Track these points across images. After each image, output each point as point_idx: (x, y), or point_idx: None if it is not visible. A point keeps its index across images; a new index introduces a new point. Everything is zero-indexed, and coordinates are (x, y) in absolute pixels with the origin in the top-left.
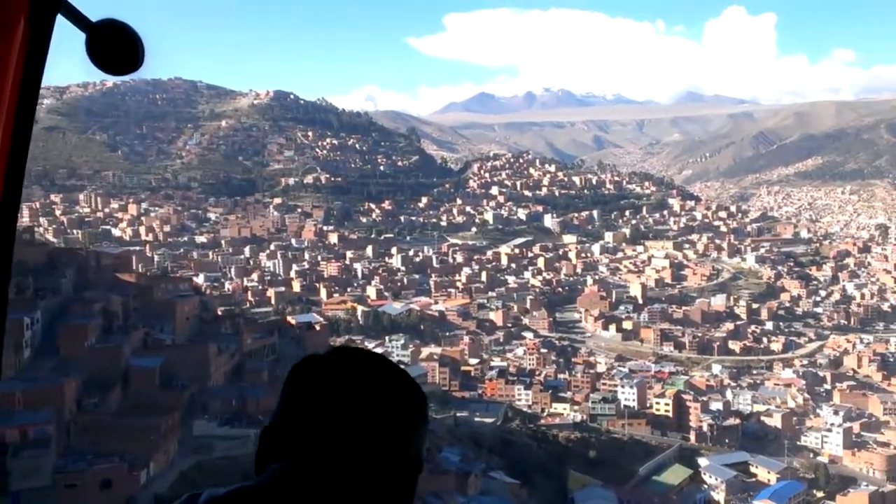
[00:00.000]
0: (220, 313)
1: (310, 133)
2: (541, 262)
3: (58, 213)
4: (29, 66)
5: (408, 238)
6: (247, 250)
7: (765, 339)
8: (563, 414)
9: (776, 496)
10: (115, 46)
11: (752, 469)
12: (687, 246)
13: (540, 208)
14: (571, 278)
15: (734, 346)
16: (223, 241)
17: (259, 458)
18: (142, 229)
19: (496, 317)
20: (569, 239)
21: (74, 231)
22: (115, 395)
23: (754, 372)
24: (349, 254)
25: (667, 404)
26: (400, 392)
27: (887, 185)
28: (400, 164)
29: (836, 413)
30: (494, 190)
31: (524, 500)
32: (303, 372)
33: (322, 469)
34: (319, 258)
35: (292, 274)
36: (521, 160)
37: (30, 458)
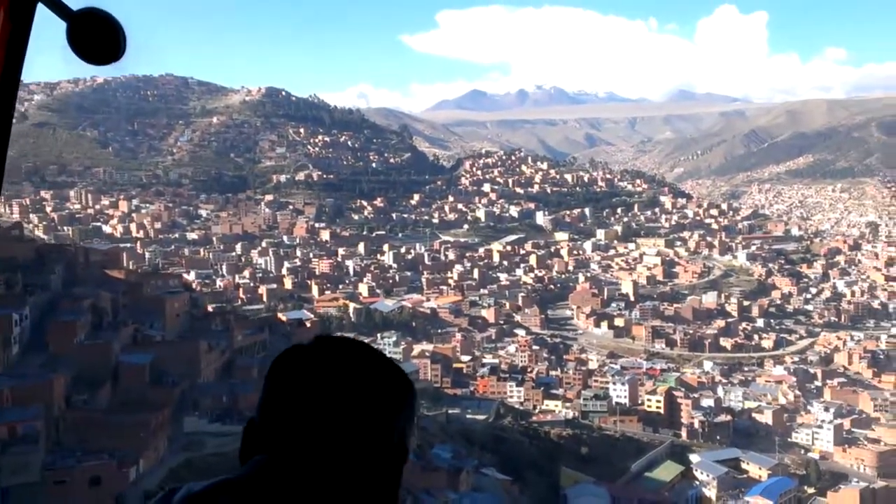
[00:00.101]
0: (210, 310)
1: (302, 130)
2: (533, 260)
3: (48, 209)
4: (9, 56)
5: (400, 235)
6: (238, 247)
7: (756, 337)
8: (554, 411)
9: (767, 492)
10: (96, 35)
11: (744, 465)
12: (678, 243)
13: (532, 206)
14: (563, 275)
15: (725, 343)
16: (214, 238)
17: (243, 451)
18: (132, 226)
19: (488, 314)
20: (561, 236)
21: (65, 228)
22: (104, 391)
23: (745, 369)
24: (341, 251)
25: (658, 401)
26: (381, 379)
27: (878, 182)
28: (392, 161)
29: (826, 410)
30: (486, 187)
31: (516, 497)
32: (284, 363)
33: (303, 459)
34: (311, 255)
35: (284, 271)
36: (513, 158)
37: (18, 455)
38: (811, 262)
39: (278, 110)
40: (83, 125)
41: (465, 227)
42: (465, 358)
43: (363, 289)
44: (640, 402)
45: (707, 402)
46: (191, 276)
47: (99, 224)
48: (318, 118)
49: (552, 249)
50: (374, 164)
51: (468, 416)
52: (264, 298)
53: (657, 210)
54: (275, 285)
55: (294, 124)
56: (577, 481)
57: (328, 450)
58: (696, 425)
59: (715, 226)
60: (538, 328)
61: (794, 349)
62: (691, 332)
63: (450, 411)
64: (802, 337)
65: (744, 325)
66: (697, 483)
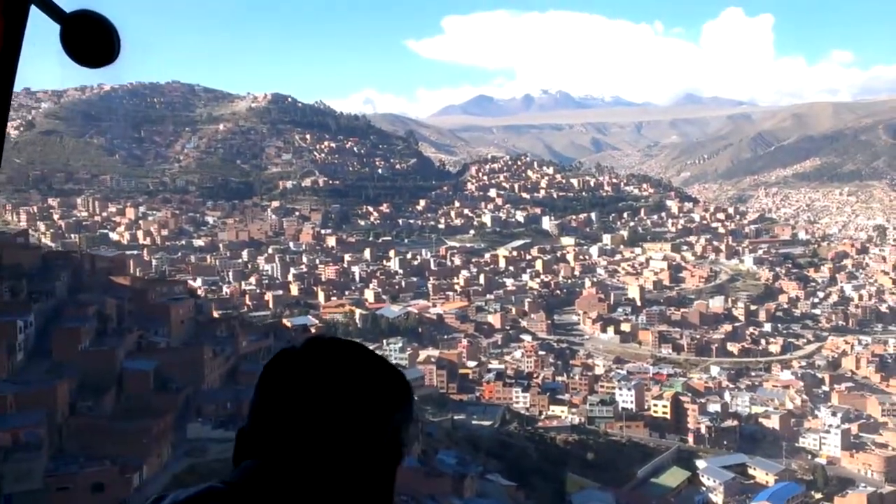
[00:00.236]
0: (215, 316)
1: (308, 136)
2: (539, 265)
3: (55, 217)
4: (2, 58)
5: (406, 241)
6: (245, 254)
7: (763, 341)
8: (560, 416)
9: (774, 498)
10: (89, 38)
11: (751, 471)
12: (685, 248)
13: (538, 210)
14: (570, 280)
15: (732, 347)
16: (221, 245)
17: (236, 458)
18: (139, 233)
19: (494, 319)
20: (567, 241)
21: (72, 235)
22: (108, 398)
23: (752, 374)
24: (347, 257)
25: (665, 406)
26: (373, 378)
27: (885, 186)
28: (398, 166)
29: (834, 414)
30: (492, 192)
31: (521, 503)
32: (274, 367)
33: (292, 462)
34: (317, 261)
35: (290, 277)
36: (519, 162)
37: (21, 461)
38: (818, 265)
39: (284, 117)
40: (90, 133)
41: (472, 232)
42: (471, 363)
43: (369, 295)
44: (646, 407)
45: (714, 407)
46: (197, 283)
47: (106, 231)
48: (324, 124)
49: (558, 254)
50: (380, 170)
51: (474, 421)
52: (270, 305)
53: (664, 214)
54: (281, 292)
55: (300, 130)
56: (582, 487)
57: (318, 453)
58: (703, 431)
59: (722, 230)
60: (544, 333)
61: (801, 354)
62: (698, 336)
63: (455, 417)
64: (810, 341)
65: (751, 329)
66: (704, 489)
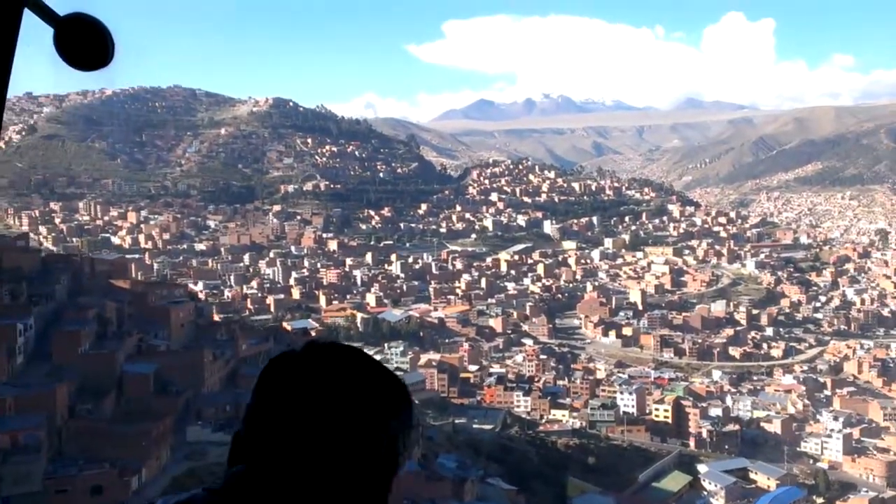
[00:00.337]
0: (215, 319)
1: (309, 140)
2: (540, 269)
3: (57, 221)
4: None
5: (407, 245)
6: (246, 258)
7: (765, 345)
8: (562, 420)
9: (776, 502)
10: (83, 41)
11: (752, 475)
12: (687, 252)
13: (539, 215)
14: (571, 284)
15: (734, 352)
16: (222, 249)
17: (230, 461)
18: (141, 237)
19: (496, 323)
20: (568, 245)
21: (74, 239)
22: (108, 401)
23: (754, 378)
24: (348, 261)
25: (666, 410)
26: (371, 385)
27: (887, 190)
28: (399, 171)
29: (836, 419)
30: (494, 196)
31: None
32: (272, 371)
33: (281, 470)
34: (319, 265)
35: (291, 281)
36: (520, 167)
37: (20, 464)
38: (820, 270)
39: (286, 121)
40: (92, 137)
41: (473, 236)
42: (473, 367)
43: (371, 299)
44: (647, 411)
45: (715, 411)
46: (199, 287)
47: (108, 235)
48: (326, 128)
49: (560, 258)
50: (381, 174)
51: (475, 425)
52: (272, 309)
53: (665, 218)
54: (282, 295)
55: (301, 135)
56: (583, 491)
57: (309, 459)
58: (705, 435)
59: (723, 234)
60: (546, 337)
61: (803, 358)
62: (700, 341)
63: (456, 421)
64: (812, 346)
65: (752, 333)
66: (705, 493)
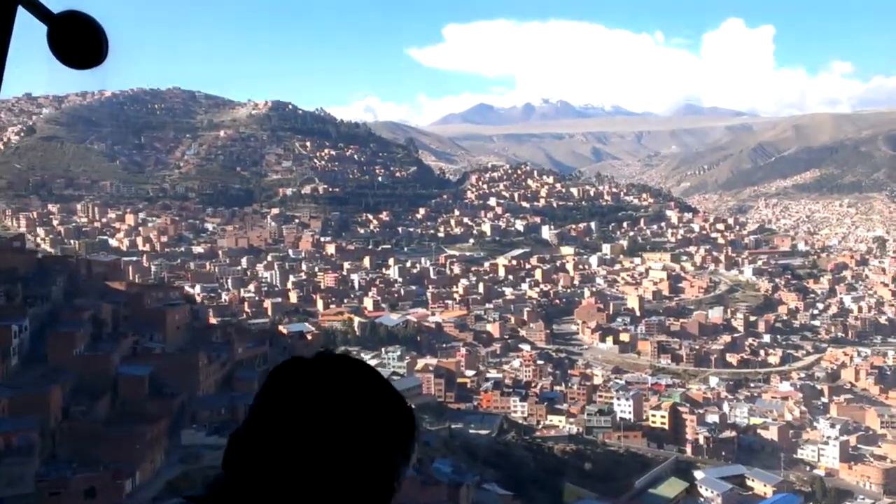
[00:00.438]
0: (211, 322)
1: (308, 143)
2: (538, 274)
3: (55, 222)
4: None
5: (405, 249)
6: (244, 261)
7: (762, 352)
8: (558, 426)
9: None
10: (77, 39)
11: (749, 482)
12: (684, 258)
13: (538, 220)
14: (569, 290)
15: (731, 358)
16: (220, 252)
17: (225, 462)
18: (139, 239)
19: (493, 328)
20: (566, 250)
21: (71, 241)
22: (103, 403)
23: (751, 384)
24: (346, 265)
25: (663, 417)
26: (382, 410)
27: (885, 197)
28: (398, 174)
29: (832, 426)
30: (492, 201)
31: None
32: (281, 376)
33: (270, 480)
34: (316, 269)
35: (289, 285)
36: (519, 171)
37: (13, 465)
38: (818, 277)
39: (285, 124)
40: (91, 139)
41: (471, 241)
42: (470, 372)
43: (368, 303)
44: (644, 417)
45: (712, 417)
46: (196, 290)
47: (105, 237)
48: (325, 132)
49: (558, 264)
50: (380, 178)
51: (471, 430)
52: (269, 312)
53: (663, 224)
54: (280, 299)
55: (300, 138)
56: (580, 497)
57: (303, 474)
58: (701, 441)
59: (721, 240)
60: (543, 343)
61: (800, 365)
62: (697, 347)
63: (453, 426)
64: (809, 353)
65: (750, 340)
66: (702, 500)
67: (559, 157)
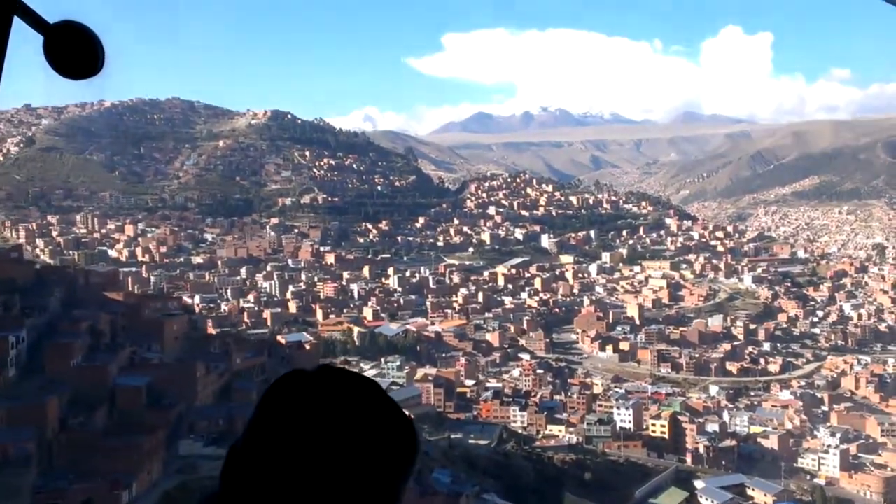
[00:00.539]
0: (209, 332)
1: (307, 153)
2: (538, 283)
3: (54, 234)
4: None
5: (405, 258)
6: (243, 271)
7: (762, 360)
8: (558, 436)
9: None
10: (73, 49)
11: (749, 491)
12: (684, 266)
13: (537, 228)
14: (568, 299)
15: (731, 367)
16: (220, 262)
17: (223, 476)
18: (138, 250)
19: (492, 338)
20: (566, 259)
21: (71, 252)
22: (100, 413)
23: (751, 393)
24: (346, 274)
25: (663, 426)
26: (386, 431)
27: (884, 204)
28: (397, 184)
29: (833, 435)
30: (492, 210)
31: None
32: (282, 390)
33: (265, 500)
34: (316, 279)
35: (288, 295)
36: (518, 180)
37: (9, 477)
38: (817, 284)
39: (284, 133)
40: (90, 149)
41: (470, 250)
42: (469, 382)
43: (368, 312)
44: (644, 426)
45: (712, 426)
46: (196, 301)
47: (105, 248)
48: (324, 141)
49: (557, 272)
50: (379, 187)
51: (471, 440)
52: (269, 322)
53: (662, 232)
54: (279, 309)
55: (299, 147)
56: None
57: (303, 493)
58: (701, 450)
59: (721, 248)
60: (543, 352)
61: (800, 373)
62: (697, 355)
63: (452, 436)
64: (809, 361)
65: (750, 348)
66: None
67: (558, 165)
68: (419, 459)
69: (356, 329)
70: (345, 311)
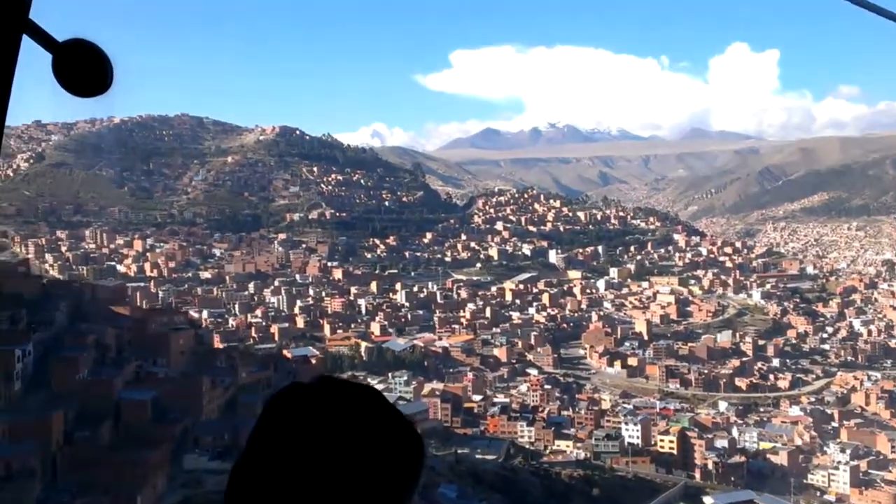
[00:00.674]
0: (216, 346)
1: (315, 169)
2: (545, 298)
3: (63, 249)
4: None
5: (412, 274)
6: (251, 286)
7: (771, 376)
8: (566, 451)
9: None
10: (82, 67)
11: None
12: (692, 282)
13: (545, 244)
14: (576, 314)
15: (740, 382)
16: (228, 277)
17: (228, 493)
18: (147, 265)
19: (500, 353)
20: (574, 274)
21: (80, 267)
22: (106, 428)
23: (761, 409)
24: (353, 289)
25: (671, 442)
26: (386, 443)
27: (893, 220)
28: (405, 199)
29: (843, 451)
30: (499, 225)
31: None
32: (281, 404)
33: None
34: (323, 294)
35: (296, 310)
36: (525, 196)
37: (14, 491)
38: (827, 300)
39: (292, 149)
40: (99, 165)
41: (478, 265)
42: (476, 397)
43: (375, 327)
44: (652, 442)
45: (721, 442)
46: (204, 315)
47: (114, 263)
48: (332, 157)
49: (565, 288)
50: (386, 203)
51: (478, 455)
52: (276, 337)
53: (671, 248)
54: (287, 324)
55: (308, 163)
56: None
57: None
58: (710, 466)
59: (729, 264)
60: (550, 367)
61: (809, 389)
62: (706, 371)
63: (459, 451)
64: (818, 377)
65: (759, 364)
66: None
67: (566, 181)
68: (425, 469)
69: (364, 344)
70: (352, 326)
